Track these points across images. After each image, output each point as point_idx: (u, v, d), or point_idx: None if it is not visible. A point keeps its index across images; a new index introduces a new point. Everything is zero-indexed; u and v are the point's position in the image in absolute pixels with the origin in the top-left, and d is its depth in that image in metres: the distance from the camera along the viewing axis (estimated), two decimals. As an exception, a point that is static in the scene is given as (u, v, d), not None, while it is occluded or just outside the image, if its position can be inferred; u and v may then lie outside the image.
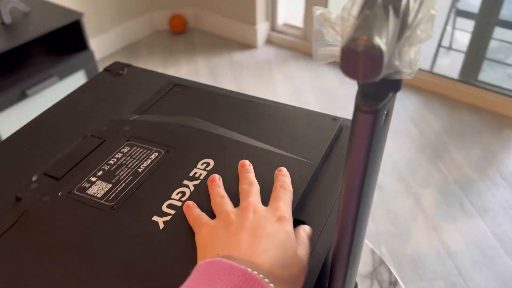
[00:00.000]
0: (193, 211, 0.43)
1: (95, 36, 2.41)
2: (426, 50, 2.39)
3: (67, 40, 1.89)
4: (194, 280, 0.34)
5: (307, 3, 2.45)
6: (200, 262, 0.36)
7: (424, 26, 0.25)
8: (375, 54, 0.20)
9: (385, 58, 0.21)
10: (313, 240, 0.43)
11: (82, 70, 1.89)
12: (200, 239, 0.40)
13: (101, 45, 2.46)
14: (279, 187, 0.44)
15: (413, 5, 0.22)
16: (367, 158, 0.29)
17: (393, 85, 0.28)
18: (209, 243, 0.39)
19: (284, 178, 0.46)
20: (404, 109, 2.13)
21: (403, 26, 0.22)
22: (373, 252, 1.08)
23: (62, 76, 1.81)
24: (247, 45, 2.64)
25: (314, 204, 0.46)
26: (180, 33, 2.73)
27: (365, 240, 1.09)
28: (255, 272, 0.33)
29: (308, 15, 2.48)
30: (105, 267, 0.40)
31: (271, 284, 0.33)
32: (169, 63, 2.47)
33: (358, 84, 0.28)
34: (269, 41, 2.68)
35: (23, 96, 1.69)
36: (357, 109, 0.27)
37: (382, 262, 1.05)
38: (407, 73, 0.27)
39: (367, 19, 0.21)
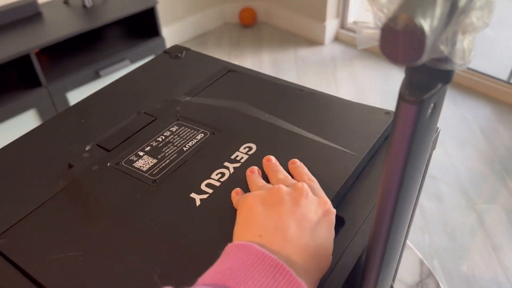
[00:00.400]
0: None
1: (168, 24, 2.49)
2: (505, 59, 2.23)
3: (141, 26, 1.97)
4: (225, 262, 0.33)
5: (380, 2, 2.37)
6: (231, 245, 0.35)
7: (480, 13, 0.23)
8: (417, 34, 0.19)
9: (428, 40, 0.19)
10: (349, 236, 0.41)
11: (153, 55, 1.97)
12: (244, 210, 0.39)
13: (173, 34, 2.54)
14: (307, 180, 0.42)
15: (468, -13, 0.20)
16: (409, 152, 0.28)
17: (443, 76, 0.26)
18: (253, 218, 0.37)
19: (305, 170, 0.44)
20: (474, 118, 2.01)
21: (453, 9, 0.20)
22: (422, 262, 1.03)
23: (133, 60, 1.89)
24: (314, 42, 2.61)
25: (355, 199, 0.45)
26: (249, 26, 2.76)
27: (415, 250, 1.04)
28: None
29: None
30: (141, 236, 0.41)
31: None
32: (234, 55, 2.50)
33: (404, 71, 0.26)
34: (337, 39, 2.63)
35: (96, 76, 1.79)
36: (401, 98, 0.26)
37: (430, 274, 1.00)
38: (458, 64, 0.25)
39: (412, -2, 0.19)
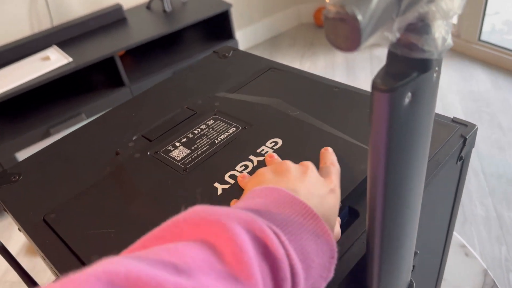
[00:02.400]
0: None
1: (243, 27, 2.57)
2: None
3: (216, 29, 2.06)
4: (257, 198, 0.33)
5: (464, -3, 2.23)
6: (258, 187, 0.35)
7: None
8: (349, 22, 0.20)
9: (365, 27, 0.20)
10: (362, 228, 0.42)
11: (225, 57, 2.04)
12: (254, 178, 0.41)
13: (247, 36, 2.61)
14: (329, 163, 0.43)
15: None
16: (389, 144, 0.28)
17: (419, 65, 0.26)
18: (264, 182, 0.38)
19: (332, 156, 0.44)
20: None
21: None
22: (486, 273, 0.97)
23: (207, 61, 1.98)
24: (392, 41, 2.53)
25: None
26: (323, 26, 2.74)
27: (479, 260, 0.98)
28: None
29: (464, 10, 2.25)
30: (168, 217, 0.45)
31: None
32: (307, 56, 2.51)
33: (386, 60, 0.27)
34: (416, 38, 2.51)
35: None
36: (373, 87, 0.26)
37: (493, 286, 0.94)
38: (430, 52, 0.25)
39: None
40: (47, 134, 1.64)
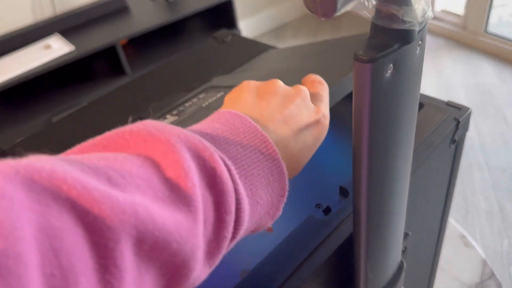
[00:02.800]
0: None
1: (247, 17, 2.55)
2: None
3: (219, 19, 2.05)
4: (216, 123, 0.31)
5: (471, -12, 2.21)
6: (224, 109, 0.32)
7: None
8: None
9: (341, -9, 0.20)
10: (351, 208, 0.42)
11: (228, 47, 2.04)
12: (233, 93, 0.37)
13: (251, 26, 2.60)
14: (317, 82, 0.39)
15: None
16: (371, 116, 0.28)
17: (400, 36, 0.26)
18: (240, 102, 0.35)
19: (317, 77, 0.40)
20: None
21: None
22: (484, 263, 0.96)
23: (210, 51, 1.98)
24: (397, 33, 2.51)
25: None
26: (328, 17, 2.73)
27: (479, 250, 0.98)
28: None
29: (471, 1, 2.23)
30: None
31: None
32: (311, 46, 2.50)
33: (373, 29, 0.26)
34: (421, 29, 2.49)
35: (176, 66, 1.90)
36: (355, 58, 0.26)
37: (492, 276, 0.94)
38: (411, 24, 0.25)
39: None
40: (49, 123, 1.65)
